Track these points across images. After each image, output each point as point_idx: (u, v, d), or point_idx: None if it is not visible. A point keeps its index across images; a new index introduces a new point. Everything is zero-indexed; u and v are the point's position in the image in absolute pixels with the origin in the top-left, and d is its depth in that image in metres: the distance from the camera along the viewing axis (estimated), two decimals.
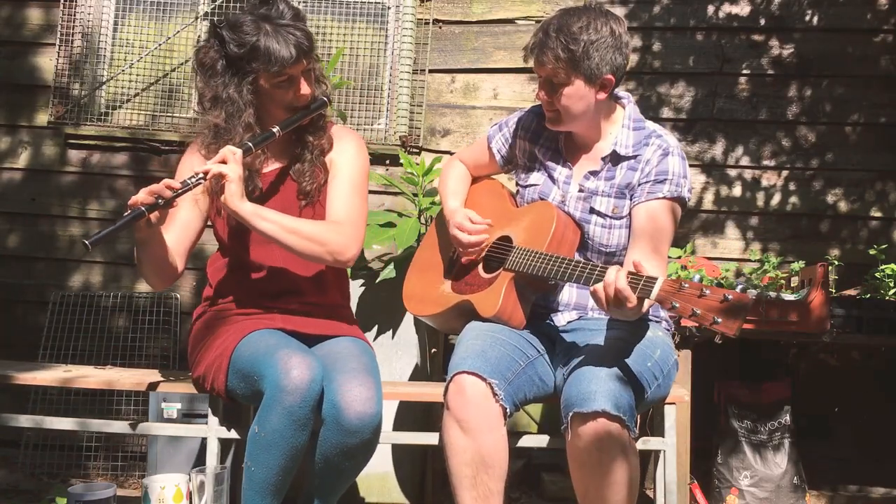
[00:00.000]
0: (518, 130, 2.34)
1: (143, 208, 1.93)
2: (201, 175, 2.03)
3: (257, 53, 2.09)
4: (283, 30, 2.10)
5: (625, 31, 2.10)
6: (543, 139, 2.29)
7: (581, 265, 1.96)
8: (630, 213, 2.14)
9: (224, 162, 2.04)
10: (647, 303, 1.77)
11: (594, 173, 2.18)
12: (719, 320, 1.64)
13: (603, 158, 2.17)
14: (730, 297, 1.64)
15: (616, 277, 1.77)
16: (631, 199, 2.14)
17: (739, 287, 1.69)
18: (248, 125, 2.15)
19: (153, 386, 2.37)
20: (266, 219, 2.08)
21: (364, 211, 2.26)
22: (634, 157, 2.15)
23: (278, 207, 2.18)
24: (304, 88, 2.18)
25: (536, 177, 2.28)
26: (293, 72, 2.14)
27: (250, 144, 2.11)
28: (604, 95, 2.11)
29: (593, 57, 2.04)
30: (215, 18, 2.20)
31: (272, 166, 2.27)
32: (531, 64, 2.15)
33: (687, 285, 1.69)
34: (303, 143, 2.26)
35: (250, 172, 2.19)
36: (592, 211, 2.17)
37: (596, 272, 1.90)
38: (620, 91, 2.24)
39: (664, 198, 2.09)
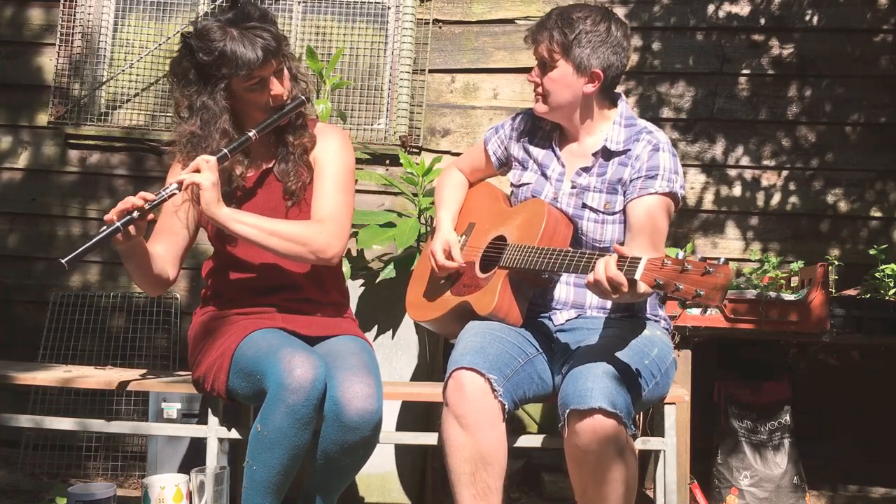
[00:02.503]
0: (513, 132, 2.37)
1: (118, 223, 1.95)
2: (175, 185, 2.04)
3: (224, 59, 2.08)
4: (249, 32, 2.09)
5: (623, 35, 2.15)
6: (538, 139, 2.32)
7: (571, 254, 1.96)
8: (624, 210, 2.15)
9: (198, 171, 2.05)
10: (639, 286, 1.77)
11: (586, 169, 2.20)
12: (702, 293, 1.64)
13: (594, 154, 2.19)
14: (711, 269, 1.63)
15: (606, 266, 1.78)
16: (624, 196, 2.15)
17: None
18: (224, 131, 2.14)
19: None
20: (243, 222, 2.09)
21: (349, 207, 2.26)
22: (625, 152, 2.17)
23: (265, 209, 2.19)
24: (277, 89, 2.16)
25: (529, 175, 2.30)
26: (263, 73, 2.13)
27: (226, 151, 2.11)
28: (591, 89, 2.14)
29: (585, 46, 2.10)
30: (189, 28, 2.18)
31: (257, 168, 2.27)
32: (531, 48, 2.20)
33: (669, 262, 1.69)
34: (284, 144, 2.25)
35: (231, 177, 2.18)
36: (584, 206, 2.19)
37: (584, 259, 1.91)
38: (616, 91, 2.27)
39: (657, 193, 2.10)
